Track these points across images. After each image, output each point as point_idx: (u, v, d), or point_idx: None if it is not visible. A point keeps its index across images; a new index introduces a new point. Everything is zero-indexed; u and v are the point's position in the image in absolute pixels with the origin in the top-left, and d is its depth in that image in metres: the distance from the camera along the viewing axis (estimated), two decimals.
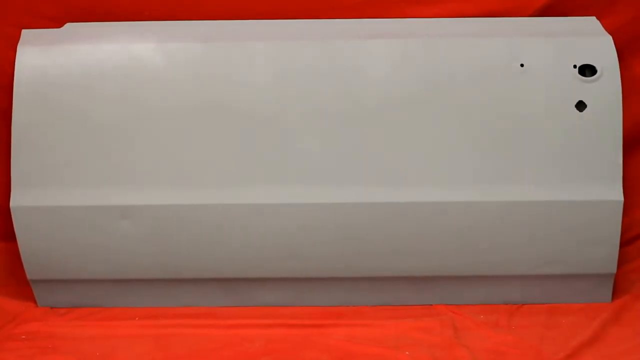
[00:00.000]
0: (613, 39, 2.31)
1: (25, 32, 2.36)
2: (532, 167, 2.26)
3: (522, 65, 2.28)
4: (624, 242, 2.45)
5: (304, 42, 2.32)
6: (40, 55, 2.31)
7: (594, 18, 2.41)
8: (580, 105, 2.26)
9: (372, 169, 2.27)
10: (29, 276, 2.35)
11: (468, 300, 2.35)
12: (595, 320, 2.25)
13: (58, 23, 2.42)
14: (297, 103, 2.27)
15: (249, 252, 2.30)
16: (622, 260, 2.37)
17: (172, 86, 2.28)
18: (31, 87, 2.28)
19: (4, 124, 2.39)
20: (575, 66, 2.27)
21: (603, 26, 2.37)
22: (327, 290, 2.35)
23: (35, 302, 2.39)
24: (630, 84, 2.43)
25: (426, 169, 2.26)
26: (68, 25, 2.41)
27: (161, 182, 2.27)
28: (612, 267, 2.31)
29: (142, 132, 2.27)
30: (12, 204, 2.28)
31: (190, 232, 2.29)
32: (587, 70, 2.28)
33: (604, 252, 2.30)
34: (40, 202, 2.28)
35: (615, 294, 2.37)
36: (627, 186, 2.31)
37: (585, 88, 2.26)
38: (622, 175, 2.26)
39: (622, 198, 2.25)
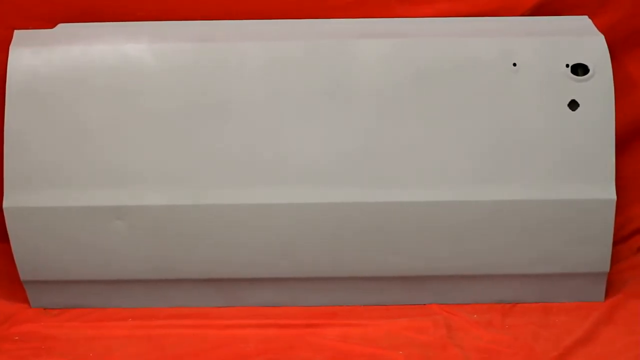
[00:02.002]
0: (605, 37, 2.31)
1: (17, 33, 2.36)
2: (524, 166, 2.26)
3: (514, 64, 2.28)
4: (617, 241, 2.45)
5: (296, 42, 2.31)
6: (32, 55, 2.30)
7: (586, 17, 2.42)
8: (573, 104, 2.26)
9: (364, 168, 2.27)
10: (22, 277, 2.35)
11: (461, 300, 2.36)
12: (589, 319, 2.26)
13: (50, 23, 2.41)
14: (290, 103, 2.27)
15: (243, 252, 2.30)
16: (615, 259, 2.38)
17: (164, 86, 2.28)
18: (24, 87, 2.28)
19: None
20: (567, 65, 2.27)
21: (595, 25, 2.37)
22: (320, 290, 2.35)
23: (28, 303, 2.39)
24: (623, 83, 2.44)
25: (418, 169, 2.26)
26: (60, 26, 2.41)
27: (155, 183, 2.27)
28: (605, 266, 2.31)
29: (135, 132, 2.27)
30: (5, 204, 2.28)
31: (183, 232, 2.29)
32: (579, 69, 2.28)
33: (597, 251, 2.30)
34: (33, 202, 2.27)
35: (608, 292, 2.37)
36: (620, 185, 2.31)
37: (577, 87, 2.27)
38: (614, 174, 2.26)
39: (614, 197, 2.25)
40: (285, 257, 2.31)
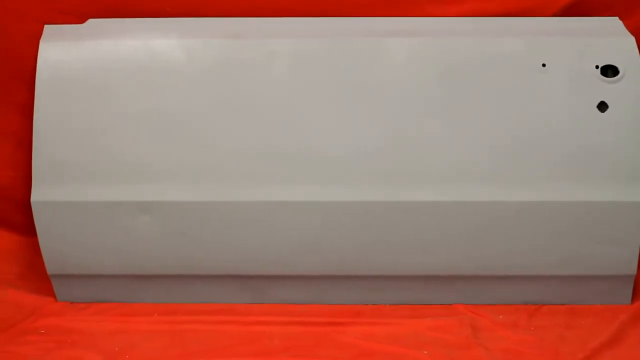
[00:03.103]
0: (636, 39, 2.30)
1: (47, 28, 2.37)
2: (553, 167, 2.26)
3: (544, 65, 2.27)
4: None
5: (325, 39, 2.32)
6: (62, 50, 2.32)
7: (616, 18, 2.40)
8: (602, 106, 2.25)
9: (391, 167, 2.26)
10: (48, 271, 2.36)
11: (487, 300, 2.35)
12: (615, 322, 2.25)
13: (80, 19, 2.43)
14: (317, 101, 2.28)
15: (268, 249, 2.30)
16: None
17: (193, 82, 2.29)
18: (53, 82, 2.29)
19: (26, 119, 2.41)
20: (597, 66, 2.27)
21: (626, 27, 2.36)
22: (345, 288, 2.35)
23: (54, 296, 2.40)
24: None
25: (447, 168, 2.26)
26: (90, 21, 2.42)
27: (181, 178, 2.28)
28: (632, 269, 2.30)
29: (163, 128, 2.28)
30: (32, 198, 2.29)
31: (209, 228, 2.29)
32: (609, 70, 2.27)
33: (624, 253, 2.28)
34: (60, 197, 2.29)
35: (635, 295, 2.35)
36: None
37: (607, 88, 2.26)
38: None
39: None
40: (310, 254, 2.31)
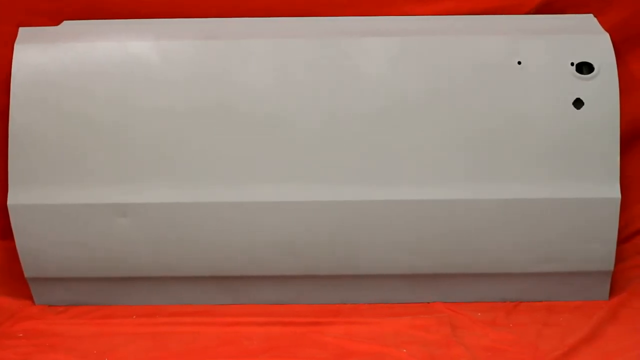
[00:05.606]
0: (610, 36, 2.31)
1: (22, 30, 2.36)
2: (529, 164, 2.26)
3: (519, 62, 2.28)
4: (621, 240, 2.46)
5: (303, 39, 2.32)
6: (37, 53, 2.31)
7: (591, 15, 2.42)
8: (578, 103, 2.26)
9: (369, 166, 2.27)
10: (26, 274, 2.35)
11: (466, 298, 2.36)
12: (593, 318, 2.25)
13: (55, 21, 2.41)
14: (295, 101, 2.27)
15: (247, 249, 2.30)
16: (619, 258, 2.37)
17: (170, 84, 2.28)
18: (29, 85, 2.28)
19: (2, 122, 2.39)
20: (572, 64, 2.28)
21: (600, 24, 2.37)
22: (324, 288, 2.36)
23: (32, 300, 2.39)
24: (627, 82, 2.44)
25: (423, 167, 2.26)
26: (65, 23, 2.41)
27: (159, 180, 2.27)
28: (610, 265, 2.31)
29: (140, 129, 2.27)
30: (9, 202, 2.28)
31: (187, 230, 2.29)
32: (584, 67, 2.28)
33: (601, 250, 2.30)
34: (37, 200, 2.27)
35: (613, 291, 2.37)
36: (624, 184, 2.31)
37: (582, 85, 2.26)
38: (619, 173, 2.26)
39: (619, 195, 2.25)
40: (289, 254, 2.31)
